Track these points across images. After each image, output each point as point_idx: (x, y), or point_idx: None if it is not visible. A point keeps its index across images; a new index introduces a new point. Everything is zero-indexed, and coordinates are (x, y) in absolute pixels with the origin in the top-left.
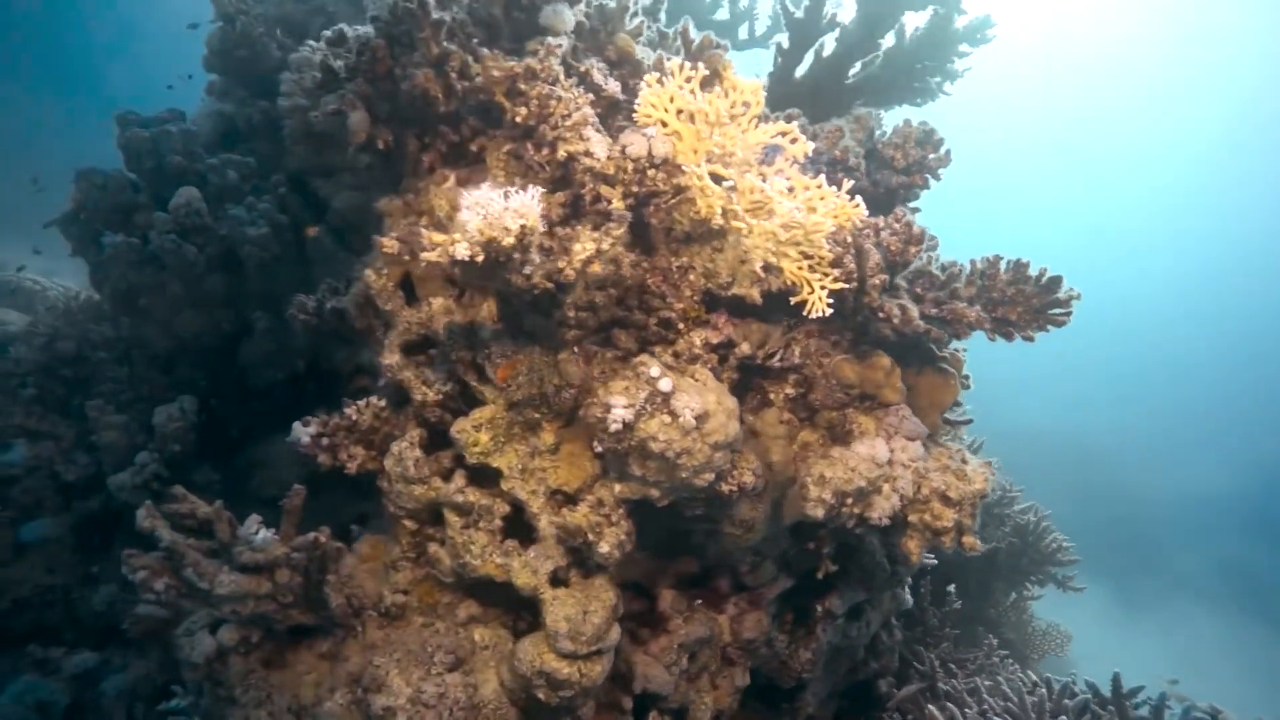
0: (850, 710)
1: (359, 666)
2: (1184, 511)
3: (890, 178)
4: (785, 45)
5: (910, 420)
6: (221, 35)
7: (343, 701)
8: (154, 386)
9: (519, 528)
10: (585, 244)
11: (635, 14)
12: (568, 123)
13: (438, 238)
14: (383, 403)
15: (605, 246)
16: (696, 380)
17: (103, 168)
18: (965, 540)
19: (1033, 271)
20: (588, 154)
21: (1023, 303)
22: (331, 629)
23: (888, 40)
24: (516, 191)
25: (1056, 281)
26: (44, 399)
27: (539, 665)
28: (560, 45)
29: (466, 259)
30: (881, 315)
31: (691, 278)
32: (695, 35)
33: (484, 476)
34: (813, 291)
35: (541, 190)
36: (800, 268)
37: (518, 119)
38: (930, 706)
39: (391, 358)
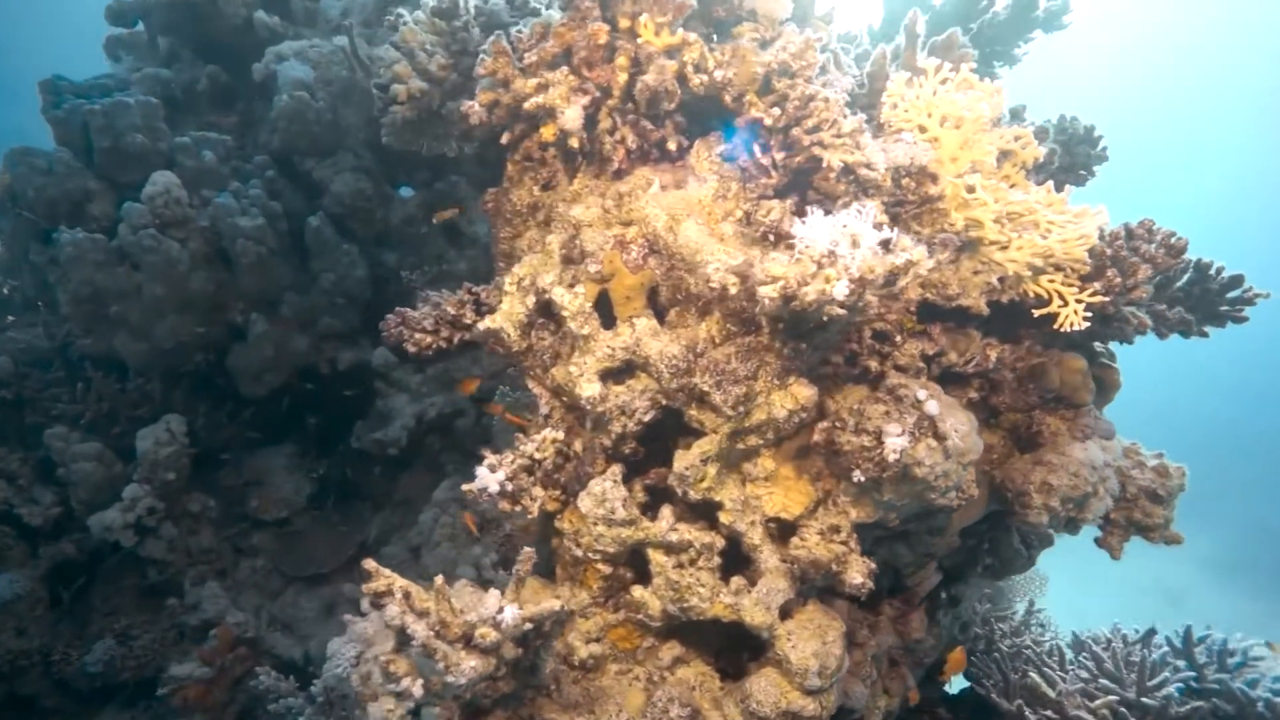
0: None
1: None
2: None
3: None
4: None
5: (1104, 420)
6: None
7: None
8: (120, 404)
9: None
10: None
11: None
12: (834, 129)
13: (815, 272)
14: (560, 435)
15: (924, 270)
16: (936, 398)
17: (36, 146)
18: (1169, 534)
19: (1212, 270)
20: (868, 165)
21: (1205, 301)
22: (521, 694)
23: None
24: (856, 215)
25: (1237, 280)
26: None
27: (784, 705)
28: (820, 39)
29: (843, 298)
30: (1133, 323)
31: (910, 290)
32: (921, 29)
33: (695, 511)
34: (1066, 304)
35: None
36: (1052, 281)
37: (766, 121)
38: (1032, 673)
39: (591, 388)
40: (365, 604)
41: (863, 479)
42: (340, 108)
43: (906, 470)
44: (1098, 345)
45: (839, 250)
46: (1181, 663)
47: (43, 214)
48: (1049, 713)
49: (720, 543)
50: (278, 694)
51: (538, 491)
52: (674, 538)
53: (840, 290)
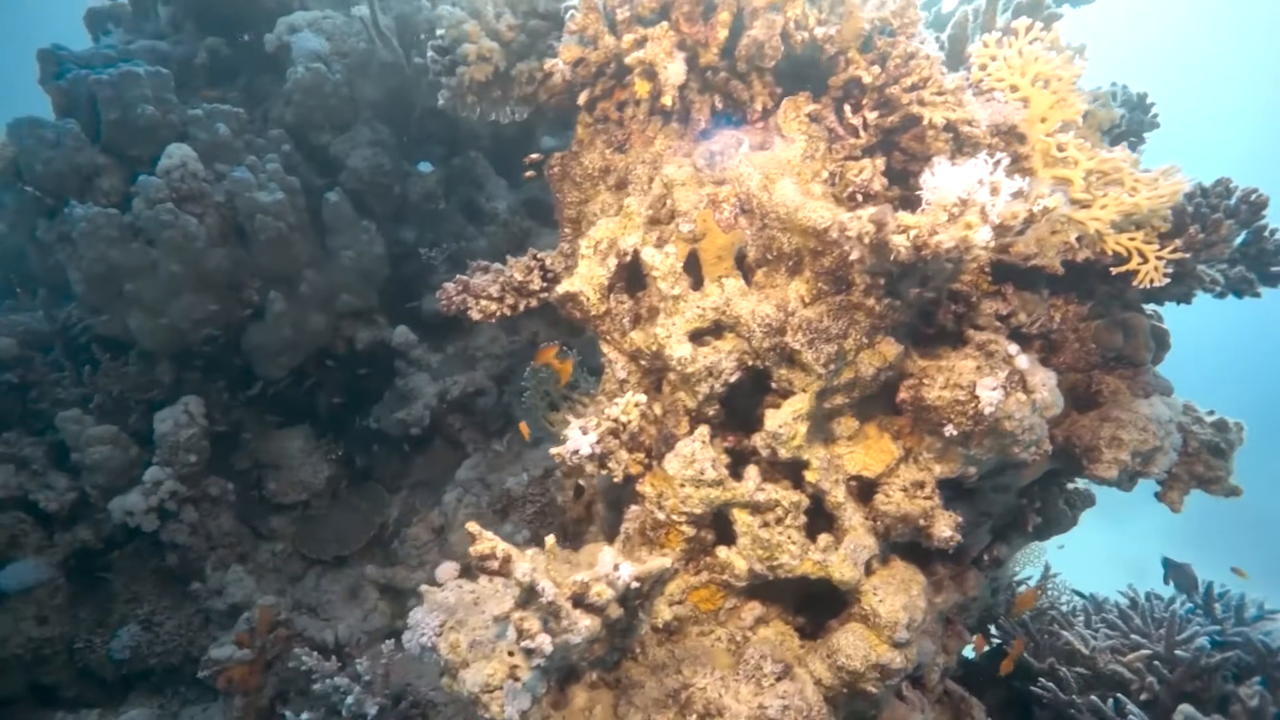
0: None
1: (661, 691)
2: None
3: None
4: None
5: (1162, 378)
6: None
7: None
8: (130, 387)
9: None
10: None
11: None
12: (934, 86)
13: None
14: (643, 398)
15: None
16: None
17: (43, 118)
18: (1229, 486)
19: (1267, 231)
20: (969, 122)
21: (1261, 260)
22: (610, 658)
23: None
24: (986, 165)
25: None
26: None
27: (874, 658)
28: None
29: (986, 243)
30: (1205, 281)
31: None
32: None
33: (776, 471)
34: (1146, 261)
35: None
36: (1133, 239)
37: (865, 79)
38: (1065, 633)
39: (681, 348)
40: (441, 574)
41: (954, 433)
42: (357, 80)
43: (997, 424)
44: (1151, 306)
45: (979, 197)
46: (1205, 618)
47: (50, 188)
48: (1081, 669)
49: (806, 501)
50: (322, 674)
51: (622, 455)
52: (761, 497)
53: (983, 236)
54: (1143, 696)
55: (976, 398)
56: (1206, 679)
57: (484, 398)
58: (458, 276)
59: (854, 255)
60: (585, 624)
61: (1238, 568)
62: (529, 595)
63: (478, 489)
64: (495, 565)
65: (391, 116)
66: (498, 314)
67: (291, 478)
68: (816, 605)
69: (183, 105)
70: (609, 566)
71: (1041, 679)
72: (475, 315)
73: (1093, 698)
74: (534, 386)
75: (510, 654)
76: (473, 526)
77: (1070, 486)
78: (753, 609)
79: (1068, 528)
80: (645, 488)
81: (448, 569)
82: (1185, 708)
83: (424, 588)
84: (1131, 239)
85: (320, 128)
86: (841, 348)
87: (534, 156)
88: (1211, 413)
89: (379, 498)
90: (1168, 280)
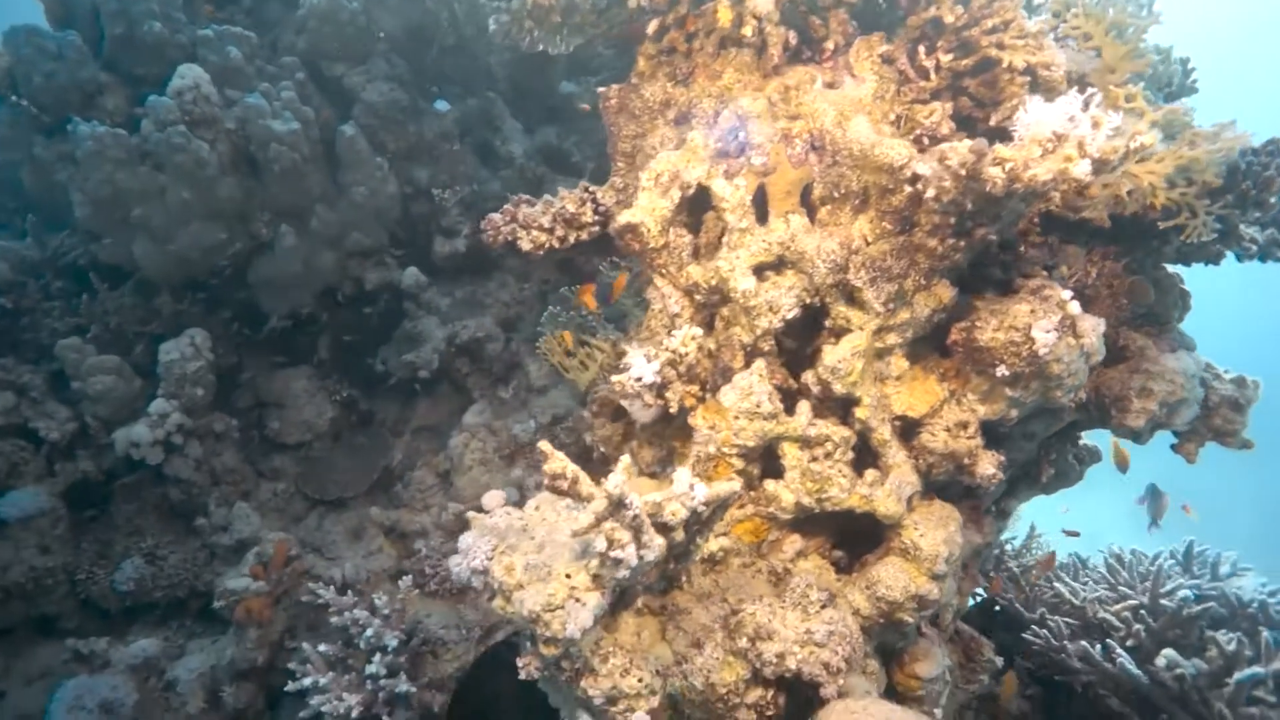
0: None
1: (708, 617)
2: None
3: None
4: None
5: (1186, 335)
6: None
7: (717, 656)
8: (128, 319)
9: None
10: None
11: None
12: (1015, 30)
13: (1041, 155)
14: (700, 332)
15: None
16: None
17: (42, 28)
18: (1244, 440)
19: None
20: (1048, 67)
21: None
22: (660, 584)
23: None
24: (1080, 102)
25: None
26: None
27: (913, 589)
28: None
29: (1085, 175)
30: (1245, 239)
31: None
32: None
33: (825, 407)
34: (1194, 217)
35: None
36: (1185, 194)
37: (948, 19)
38: (1057, 584)
39: (746, 281)
40: (489, 501)
41: (1006, 373)
42: (375, 10)
43: (1045, 366)
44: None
45: (1078, 131)
46: (1183, 574)
47: (49, 104)
48: (1069, 619)
49: (854, 438)
50: (340, 607)
51: (678, 386)
52: (813, 432)
53: (1082, 169)
54: (1129, 643)
55: (1031, 339)
56: (1186, 627)
57: (492, 343)
58: (505, 207)
59: (931, 192)
60: (659, 542)
61: (1187, 505)
62: (615, 509)
63: (484, 435)
64: (565, 485)
65: (409, 49)
66: (546, 246)
67: (296, 417)
68: (849, 541)
69: (190, 25)
70: (685, 486)
71: (1034, 626)
72: (525, 245)
73: (1082, 643)
74: (551, 331)
75: (568, 575)
76: (544, 445)
77: (1080, 442)
78: (794, 542)
79: (1074, 482)
80: (697, 420)
81: (495, 496)
82: (1168, 651)
83: (471, 514)
84: (1183, 194)
85: (334, 58)
86: (901, 287)
87: (605, 90)
88: (1227, 371)
89: (382, 441)
90: (1214, 236)
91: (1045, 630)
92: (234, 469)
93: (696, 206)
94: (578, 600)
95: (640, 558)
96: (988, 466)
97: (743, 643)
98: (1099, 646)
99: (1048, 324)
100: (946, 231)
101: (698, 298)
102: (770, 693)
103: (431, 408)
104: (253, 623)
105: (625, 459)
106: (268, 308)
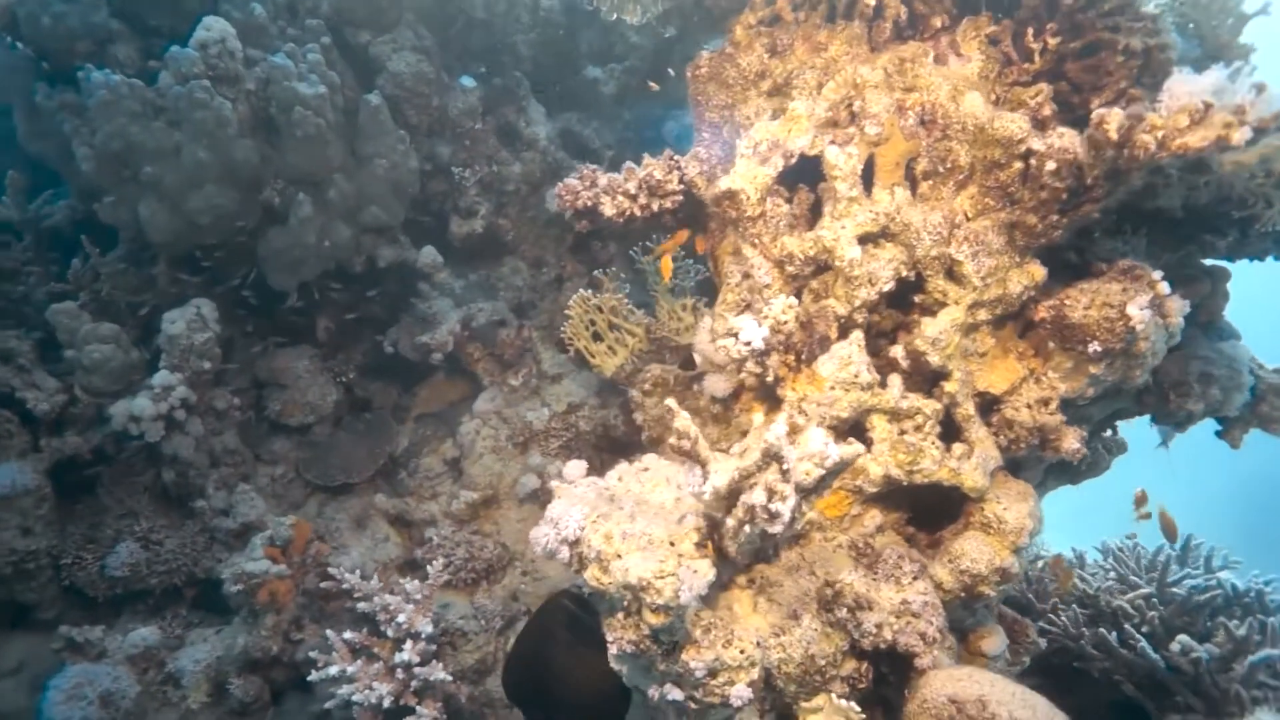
0: None
1: (798, 590)
2: None
3: None
4: None
5: (1232, 325)
6: None
7: (815, 627)
8: (121, 287)
9: None
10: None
11: None
12: (1132, 13)
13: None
14: (795, 301)
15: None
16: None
17: None
18: None
19: None
20: (1164, 49)
21: None
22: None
23: None
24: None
25: None
26: None
27: (998, 563)
28: None
29: (1243, 141)
30: None
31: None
32: None
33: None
34: (1270, 208)
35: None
36: (1262, 184)
37: (1064, 1)
38: (1075, 572)
39: (852, 250)
40: (571, 471)
41: (1099, 349)
42: None
43: (1132, 345)
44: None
45: (1238, 98)
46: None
47: (56, 48)
48: (1080, 609)
49: (943, 412)
50: (366, 593)
51: (775, 356)
52: (905, 404)
53: (1243, 135)
54: (1144, 629)
55: (1127, 315)
56: (1193, 615)
57: (505, 328)
58: (583, 172)
59: (1051, 165)
60: (794, 502)
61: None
62: (768, 461)
63: (495, 422)
64: (687, 445)
65: (439, 20)
66: (628, 213)
67: (299, 398)
68: (918, 518)
69: None
70: (820, 445)
71: (1049, 616)
72: (609, 211)
73: (1100, 630)
74: (579, 315)
75: (672, 543)
76: (670, 401)
77: (1106, 433)
78: (874, 517)
79: (1100, 473)
80: (788, 391)
81: (577, 466)
82: (1183, 637)
83: (556, 484)
84: (1260, 184)
85: (360, 25)
86: (1000, 263)
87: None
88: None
89: (387, 426)
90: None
91: (1064, 619)
92: (235, 450)
93: (791, 178)
94: (690, 567)
95: (791, 515)
96: (1073, 441)
97: (842, 614)
98: (1115, 634)
99: (1142, 300)
100: (1052, 208)
101: (789, 269)
102: (864, 665)
103: (435, 393)
104: (274, 607)
105: (758, 414)
106: (275, 282)
